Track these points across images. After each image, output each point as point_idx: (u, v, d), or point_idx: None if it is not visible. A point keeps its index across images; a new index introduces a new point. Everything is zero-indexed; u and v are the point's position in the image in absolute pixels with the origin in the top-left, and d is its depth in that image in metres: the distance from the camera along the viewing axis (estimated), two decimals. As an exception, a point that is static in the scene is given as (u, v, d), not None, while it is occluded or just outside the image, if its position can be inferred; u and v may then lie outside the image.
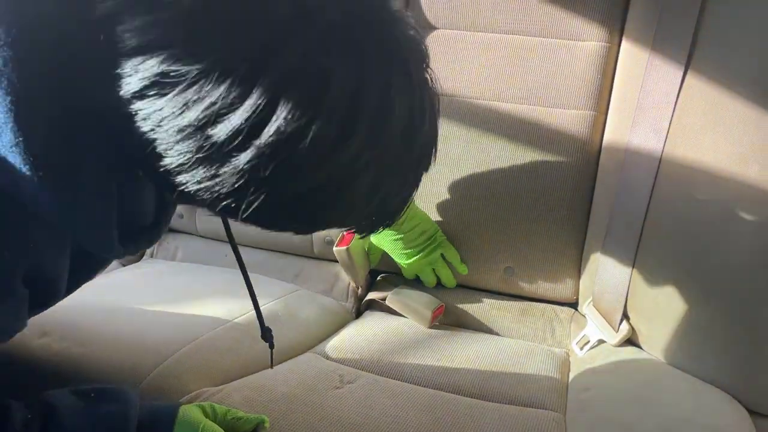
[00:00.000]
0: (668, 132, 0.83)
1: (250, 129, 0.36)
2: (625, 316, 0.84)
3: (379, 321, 0.95)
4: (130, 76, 0.37)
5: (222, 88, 0.35)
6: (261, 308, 0.66)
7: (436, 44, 0.99)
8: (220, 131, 0.36)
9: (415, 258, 0.95)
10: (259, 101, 0.36)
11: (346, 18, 0.38)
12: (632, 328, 0.84)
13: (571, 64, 0.93)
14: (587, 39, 0.92)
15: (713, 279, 0.76)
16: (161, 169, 0.39)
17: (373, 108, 0.39)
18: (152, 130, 0.38)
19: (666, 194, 0.82)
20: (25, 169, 0.38)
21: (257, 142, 0.36)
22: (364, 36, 0.39)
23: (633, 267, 0.83)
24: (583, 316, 0.92)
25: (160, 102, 0.37)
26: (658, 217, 0.82)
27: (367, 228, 0.49)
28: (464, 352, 0.87)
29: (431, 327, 0.95)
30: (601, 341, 0.87)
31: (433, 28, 0.99)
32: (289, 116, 0.36)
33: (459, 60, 0.98)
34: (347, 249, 0.94)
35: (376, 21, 0.40)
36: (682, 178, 0.81)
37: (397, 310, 0.97)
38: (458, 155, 0.97)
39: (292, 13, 0.36)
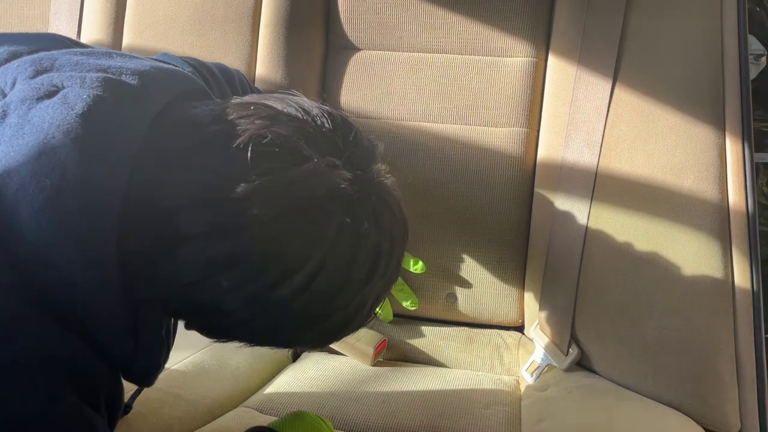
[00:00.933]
0: (601, 145, 0.81)
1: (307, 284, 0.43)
2: (574, 338, 0.81)
3: (317, 363, 0.88)
4: (189, 258, 0.42)
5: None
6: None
7: (359, 66, 0.95)
8: (284, 291, 0.43)
9: None
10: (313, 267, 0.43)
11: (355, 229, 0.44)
12: (582, 350, 0.81)
13: (499, 81, 0.91)
14: (514, 55, 0.90)
15: (658, 293, 0.74)
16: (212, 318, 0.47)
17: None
18: (218, 297, 0.43)
19: (604, 208, 0.80)
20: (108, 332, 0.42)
21: (306, 293, 0.43)
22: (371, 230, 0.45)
23: (577, 286, 0.81)
24: (531, 340, 0.89)
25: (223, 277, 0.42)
26: (599, 232, 0.79)
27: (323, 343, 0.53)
28: (412, 391, 0.82)
29: (374, 364, 0.89)
30: (551, 366, 0.83)
31: (356, 49, 0.95)
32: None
33: (384, 81, 0.94)
34: None
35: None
36: (619, 191, 0.79)
37: (337, 348, 0.90)
38: (390, 180, 0.92)
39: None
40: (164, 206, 0.42)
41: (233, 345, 0.86)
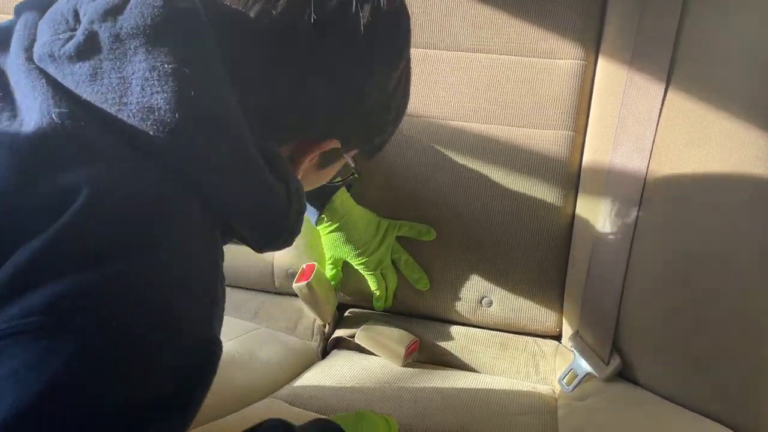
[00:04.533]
0: (652, 150, 0.78)
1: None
2: (616, 347, 0.78)
3: (347, 360, 0.87)
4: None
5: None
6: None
7: (404, 63, 0.94)
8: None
9: (369, 254, 0.88)
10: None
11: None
12: (624, 360, 0.78)
13: (546, 83, 0.89)
14: (562, 57, 0.89)
15: (708, 304, 0.71)
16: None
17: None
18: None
19: (653, 214, 0.77)
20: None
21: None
22: None
23: (621, 294, 0.78)
24: (569, 349, 0.86)
25: None
26: (646, 239, 0.77)
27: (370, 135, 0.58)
28: (443, 394, 0.79)
29: (405, 365, 0.87)
30: (589, 375, 0.80)
31: (400, 46, 0.94)
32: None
33: (428, 80, 0.93)
34: (308, 284, 0.85)
35: None
36: (669, 197, 0.76)
37: (367, 347, 0.88)
38: (428, 177, 0.90)
39: None
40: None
41: (263, 337, 0.85)
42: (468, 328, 0.92)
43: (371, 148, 0.62)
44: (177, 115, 0.40)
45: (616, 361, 0.77)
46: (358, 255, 0.88)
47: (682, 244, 0.74)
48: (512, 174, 0.89)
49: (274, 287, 0.99)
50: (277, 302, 0.98)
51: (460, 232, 0.90)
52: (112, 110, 0.40)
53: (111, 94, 0.40)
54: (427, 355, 0.91)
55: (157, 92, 0.39)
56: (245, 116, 0.43)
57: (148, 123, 0.40)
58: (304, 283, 0.85)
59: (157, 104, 0.39)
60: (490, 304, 0.90)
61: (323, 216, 0.85)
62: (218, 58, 0.43)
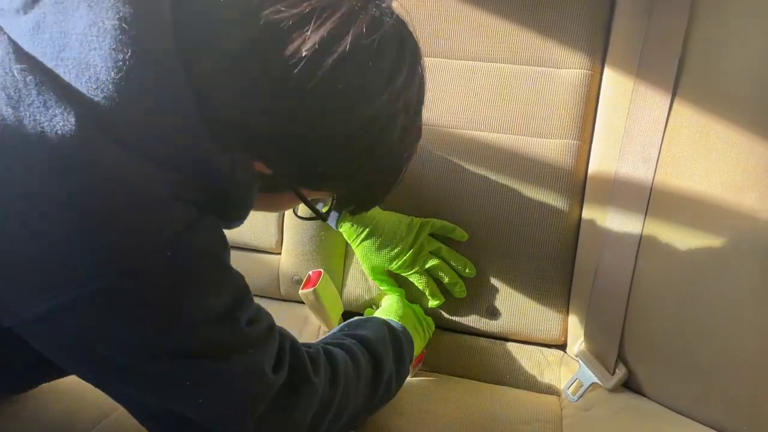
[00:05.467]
0: (658, 160, 0.79)
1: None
2: (621, 357, 0.78)
3: (352, 368, 0.87)
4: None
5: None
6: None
7: (411, 72, 0.94)
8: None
9: (406, 254, 0.85)
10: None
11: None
12: (629, 371, 0.77)
13: (552, 92, 0.89)
14: (569, 66, 0.89)
15: (713, 314, 0.71)
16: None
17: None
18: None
19: (659, 224, 0.77)
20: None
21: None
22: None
23: (627, 304, 0.78)
24: (574, 358, 0.85)
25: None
26: (652, 249, 0.77)
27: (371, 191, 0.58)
28: (449, 405, 0.79)
29: (411, 376, 0.87)
30: (595, 385, 0.80)
31: (407, 55, 0.95)
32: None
33: (436, 88, 0.93)
34: (314, 291, 0.85)
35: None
36: (675, 207, 0.76)
37: (372, 355, 0.88)
38: (433, 185, 0.91)
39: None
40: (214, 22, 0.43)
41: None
42: (473, 337, 0.92)
43: (336, 198, 0.58)
44: (112, 74, 0.39)
45: (621, 371, 0.77)
46: (393, 258, 0.85)
47: (687, 254, 0.74)
48: (517, 183, 0.89)
49: (280, 294, 0.99)
50: (282, 309, 0.98)
51: (466, 240, 0.90)
52: (50, 65, 0.39)
53: (50, 48, 0.40)
54: (433, 365, 0.91)
55: (94, 48, 0.39)
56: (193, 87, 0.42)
57: (83, 80, 0.39)
58: (310, 289, 0.85)
59: (93, 60, 0.39)
60: (496, 312, 0.90)
61: (352, 225, 0.84)
62: (166, 23, 0.41)
